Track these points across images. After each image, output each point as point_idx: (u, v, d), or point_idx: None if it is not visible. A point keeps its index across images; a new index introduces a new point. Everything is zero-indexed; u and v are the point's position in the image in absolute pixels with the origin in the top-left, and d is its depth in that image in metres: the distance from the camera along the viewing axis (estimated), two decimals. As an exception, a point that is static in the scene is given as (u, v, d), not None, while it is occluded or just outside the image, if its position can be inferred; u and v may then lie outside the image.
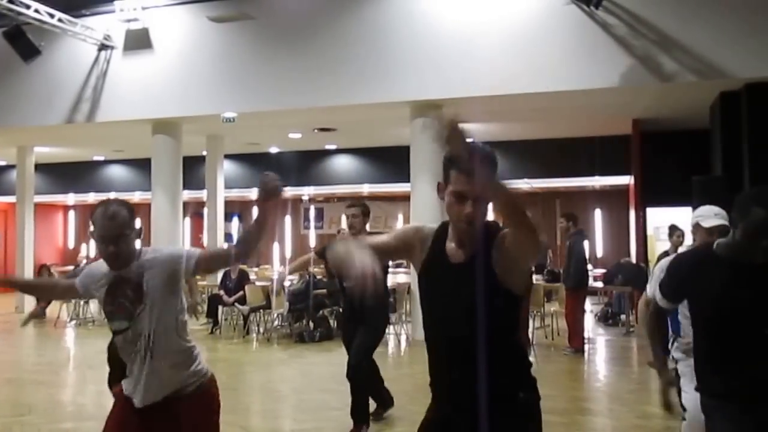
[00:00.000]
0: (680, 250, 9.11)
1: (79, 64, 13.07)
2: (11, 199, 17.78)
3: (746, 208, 2.64)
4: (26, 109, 13.39)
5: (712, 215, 3.95)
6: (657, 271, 3.58)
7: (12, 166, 18.10)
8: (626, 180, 15.38)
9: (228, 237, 22.18)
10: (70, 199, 21.63)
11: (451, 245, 2.50)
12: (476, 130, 11.04)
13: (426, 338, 2.63)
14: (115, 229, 3.01)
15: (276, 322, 12.16)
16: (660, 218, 12.74)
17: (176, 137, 13.05)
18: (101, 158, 19.36)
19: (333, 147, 17.09)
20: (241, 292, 12.04)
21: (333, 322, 11.93)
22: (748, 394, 2.72)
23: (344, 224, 20.68)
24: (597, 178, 16.72)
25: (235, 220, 22.16)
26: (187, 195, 16.85)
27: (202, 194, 15.68)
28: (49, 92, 13.17)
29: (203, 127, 13.88)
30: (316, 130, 14.38)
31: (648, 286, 3.72)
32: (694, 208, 10.37)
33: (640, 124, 13.30)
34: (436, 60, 10.99)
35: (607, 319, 13.23)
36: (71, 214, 24.16)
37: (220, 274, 13.05)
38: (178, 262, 3.09)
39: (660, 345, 3.28)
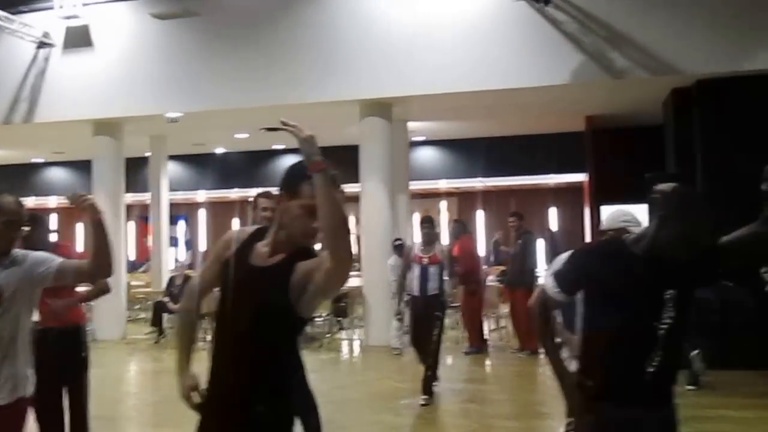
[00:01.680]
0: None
1: (16, 62, 12.49)
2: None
3: (686, 208, 2.52)
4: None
5: (619, 221, 3.83)
6: (556, 264, 3.30)
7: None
8: (581, 177, 15.30)
9: (174, 241, 21.65)
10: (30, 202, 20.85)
11: (262, 249, 2.49)
12: (427, 129, 10.93)
13: (213, 335, 2.61)
14: None
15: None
16: (614, 216, 12.64)
17: (118, 138, 12.59)
18: (40, 160, 18.67)
19: (281, 147, 16.71)
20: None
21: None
22: (638, 392, 2.61)
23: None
24: (552, 176, 16.65)
25: (182, 224, 21.61)
26: (131, 198, 16.33)
27: (147, 197, 15.15)
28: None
29: (146, 128, 13.41)
30: (263, 130, 13.94)
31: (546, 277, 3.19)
32: (648, 204, 10.39)
33: (594, 120, 13.21)
34: (385, 58, 10.74)
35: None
36: None
37: (165, 281, 12.62)
38: (39, 269, 3.12)
39: (552, 339, 2.92)
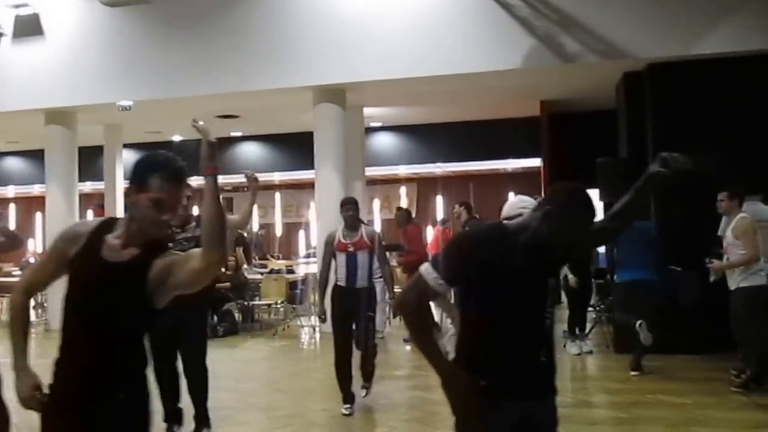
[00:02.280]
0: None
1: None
2: None
3: (571, 207, 2.52)
4: None
5: (517, 207, 3.91)
6: None
7: None
8: (538, 162, 15.37)
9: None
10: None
11: (114, 242, 2.48)
12: (384, 115, 10.83)
13: (62, 327, 2.55)
14: None
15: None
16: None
17: (71, 127, 12.36)
18: (-7, 150, 18.30)
19: (239, 134, 16.55)
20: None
21: (238, 316, 11.51)
22: (535, 384, 2.61)
23: (255, 214, 20.43)
24: (510, 161, 16.72)
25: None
26: (90, 186, 16.10)
27: (103, 186, 14.91)
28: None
29: (100, 117, 13.18)
30: (216, 118, 13.83)
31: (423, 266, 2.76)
32: (600, 190, 10.45)
33: (548, 105, 13.25)
34: (338, 44, 10.65)
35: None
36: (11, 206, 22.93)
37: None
38: None
39: (430, 335, 2.62)
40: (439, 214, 19.65)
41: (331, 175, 11.00)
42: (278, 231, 20.83)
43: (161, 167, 2.43)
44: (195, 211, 5.74)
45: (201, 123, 2.56)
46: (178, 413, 5.71)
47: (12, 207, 22.61)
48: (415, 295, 2.55)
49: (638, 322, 7.31)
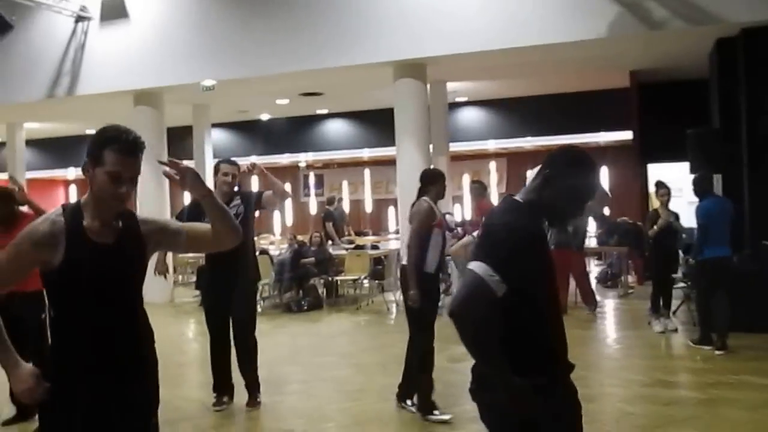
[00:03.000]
0: (670, 207, 8.79)
1: (56, 37, 12.72)
2: (4, 176, 17.66)
3: (571, 168, 2.46)
4: (7, 86, 13.11)
5: None
6: (483, 246, 2.47)
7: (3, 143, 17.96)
8: (630, 135, 14.89)
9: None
10: (71, 173, 21.51)
11: (93, 225, 2.50)
12: (470, 90, 10.58)
13: (69, 322, 2.53)
14: None
15: (266, 293, 11.93)
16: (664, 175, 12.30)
17: (158, 108, 12.76)
18: (93, 132, 19.06)
19: (324, 112, 16.71)
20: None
21: (322, 291, 11.70)
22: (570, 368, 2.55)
23: (345, 191, 20.66)
24: (601, 134, 16.25)
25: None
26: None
27: (192, 165, 15.38)
28: (28, 67, 12.88)
29: (187, 97, 13.55)
30: (300, 95, 14.01)
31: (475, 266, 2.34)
32: (691, 162, 10.02)
33: (638, 76, 12.79)
34: (418, 18, 10.55)
35: (606, 280, 12.89)
36: (72, 188, 24.12)
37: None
38: None
39: (498, 351, 2.31)
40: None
41: (412, 151, 10.96)
42: (368, 207, 21.01)
43: (114, 140, 2.41)
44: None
45: (171, 160, 2.62)
46: (227, 384, 5.90)
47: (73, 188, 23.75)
48: (482, 303, 2.24)
49: (714, 302, 7.04)
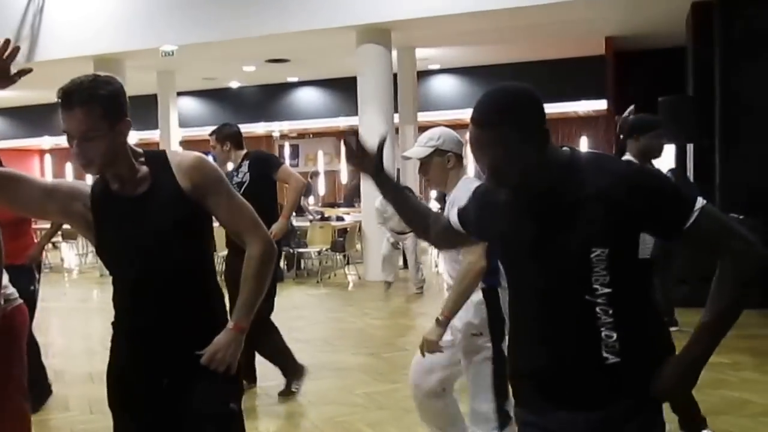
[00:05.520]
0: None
1: (14, 1, 12.26)
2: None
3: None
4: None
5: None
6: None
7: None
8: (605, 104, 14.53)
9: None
10: (46, 142, 21.06)
11: (115, 186, 2.24)
12: (442, 57, 10.01)
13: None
14: None
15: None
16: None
17: (119, 74, 12.27)
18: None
19: (295, 80, 16.27)
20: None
21: (283, 264, 11.37)
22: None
23: (321, 161, 20.21)
24: (581, 102, 15.82)
25: (209, 159, 21.48)
26: (147, 135, 16.19)
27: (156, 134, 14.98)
28: (-15, 31, 12.43)
29: (151, 64, 13.11)
30: (267, 62, 13.58)
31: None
32: (664, 131, 9.67)
33: (614, 43, 12.36)
34: (380, -20, 10.14)
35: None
36: (47, 158, 23.67)
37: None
38: None
39: None
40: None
41: (375, 120, 10.56)
42: (344, 178, 20.64)
43: (59, 98, 2.09)
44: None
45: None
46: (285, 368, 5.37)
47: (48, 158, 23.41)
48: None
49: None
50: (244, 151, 5.24)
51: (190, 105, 17.52)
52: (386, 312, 8.56)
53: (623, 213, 1.71)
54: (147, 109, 14.66)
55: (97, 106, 2.06)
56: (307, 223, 11.87)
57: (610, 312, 1.75)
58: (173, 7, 11.34)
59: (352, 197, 15.55)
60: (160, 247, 2.18)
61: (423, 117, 14.15)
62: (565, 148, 1.85)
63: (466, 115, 16.76)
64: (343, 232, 11.36)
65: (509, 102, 1.76)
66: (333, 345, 6.85)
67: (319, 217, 12.66)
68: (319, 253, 11.46)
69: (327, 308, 9.13)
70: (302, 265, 11.81)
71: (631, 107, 6.77)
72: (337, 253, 11.42)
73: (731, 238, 1.72)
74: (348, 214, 13.51)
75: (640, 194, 1.70)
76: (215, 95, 17.39)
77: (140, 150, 2.27)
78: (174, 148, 14.43)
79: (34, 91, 16.52)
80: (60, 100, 2.08)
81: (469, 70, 15.40)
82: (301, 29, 10.66)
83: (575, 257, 1.76)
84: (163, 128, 14.50)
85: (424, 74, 14.85)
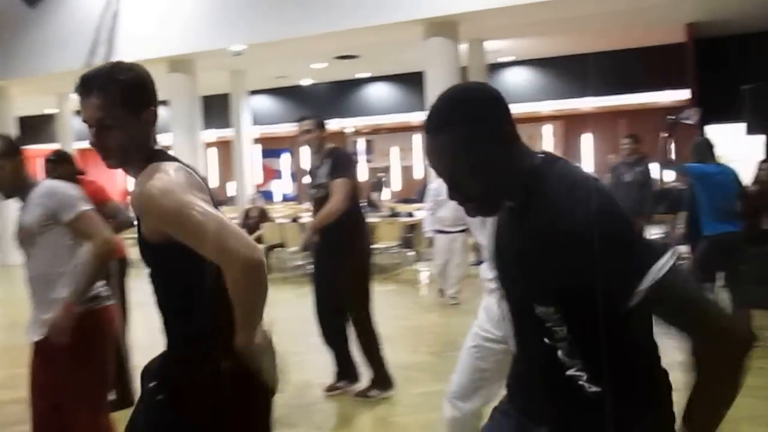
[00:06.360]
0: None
1: (91, 5, 12.63)
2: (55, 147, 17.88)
3: None
4: (47, 56, 13.11)
5: None
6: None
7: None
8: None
9: (277, 174, 21.91)
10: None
11: None
12: (515, 48, 9.58)
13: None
14: None
15: (298, 262, 11.64)
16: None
17: (192, 75, 12.52)
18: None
19: (366, 75, 16.22)
20: (260, 231, 11.61)
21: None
22: None
23: (394, 157, 20.09)
24: (660, 93, 15.20)
25: (286, 156, 21.74)
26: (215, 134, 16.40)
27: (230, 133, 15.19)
28: (67, 37, 12.84)
29: (222, 64, 13.28)
30: (335, 59, 13.57)
31: None
32: (747, 123, 9.12)
33: (695, 29, 11.79)
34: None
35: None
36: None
37: (240, 213, 12.68)
38: (64, 212, 3.06)
39: None
40: (588, 155, 18.48)
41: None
42: (419, 174, 20.51)
43: (77, 85, 2.03)
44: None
45: None
46: (340, 369, 5.34)
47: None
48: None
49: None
50: (331, 146, 5.15)
51: (264, 103, 17.73)
52: (452, 310, 8.39)
53: (565, 269, 1.42)
54: (220, 108, 14.89)
55: (115, 92, 1.97)
56: (376, 219, 11.79)
57: (575, 357, 1.52)
58: (242, 7, 11.42)
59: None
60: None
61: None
62: (539, 155, 1.58)
63: (540, 107, 16.50)
64: (412, 228, 11.23)
65: (458, 100, 1.54)
66: (393, 342, 6.69)
67: (390, 213, 12.56)
68: (388, 249, 11.36)
69: (391, 305, 9.01)
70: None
71: (693, 109, 6.19)
72: (407, 250, 11.31)
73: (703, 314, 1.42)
74: (419, 210, 13.36)
75: (586, 248, 1.36)
76: (287, 93, 17.55)
77: (168, 153, 2.11)
78: (247, 146, 14.65)
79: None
80: (78, 88, 2.01)
81: (542, 61, 15.03)
82: (368, 24, 10.56)
83: (525, 305, 1.56)
84: (236, 126, 14.67)
85: (495, 67, 14.57)
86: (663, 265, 1.38)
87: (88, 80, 2.00)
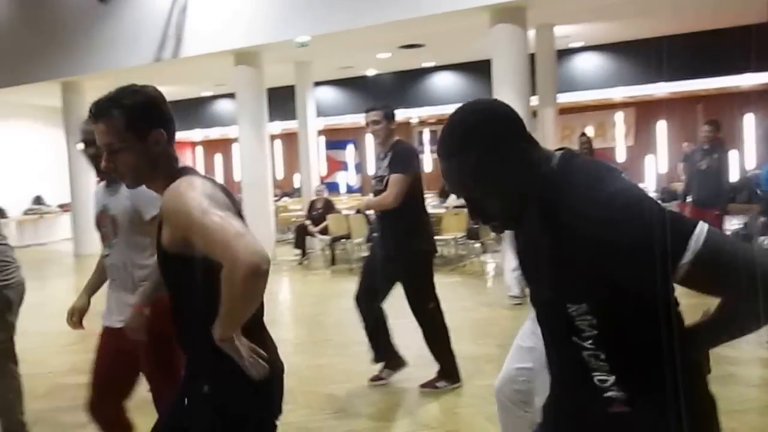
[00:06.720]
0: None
1: (160, 1, 12.80)
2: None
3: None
4: (117, 51, 13.37)
5: None
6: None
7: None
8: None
9: (343, 165, 21.92)
10: (196, 134, 22.05)
11: None
12: (586, 33, 9.36)
13: None
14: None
15: (363, 253, 11.60)
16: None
17: (258, 67, 12.56)
18: (209, 93, 19.48)
19: (431, 65, 16.04)
20: (325, 222, 11.61)
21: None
22: None
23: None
24: (743, 76, 14.57)
25: (350, 148, 21.72)
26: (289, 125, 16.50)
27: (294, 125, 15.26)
28: (136, 32, 13.05)
29: (288, 55, 13.32)
30: (400, 48, 13.45)
31: None
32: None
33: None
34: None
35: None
36: (199, 149, 24.81)
37: (306, 204, 12.70)
38: (147, 208, 3.03)
39: None
40: (662, 142, 17.92)
41: (511, 103, 10.05)
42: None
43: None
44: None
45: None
46: (379, 355, 5.30)
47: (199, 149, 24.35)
48: None
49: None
50: (395, 139, 5.06)
51: (329, 94, 17.75)
52: (519, 301, 8.20)
53: (596, 268, 1.41)
54: (286, 100, 14.94)
55: (120, 116, 2.02)
56: (442, 210, 11.66)
57: (602, 357, 1.50)
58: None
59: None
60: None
61: (563, 98, 13.54)
62: (556, 155, 1.57)
63: (612, 94, 16.04)
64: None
65: (469, 125, 1.53)
66: (458, 334, 6.54)
67: (456, 204, 12.39)
68: (455, 240, 11.22)
69: (458, 296, 8.86)
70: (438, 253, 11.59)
71: None
72: (473, 241, 11.15)
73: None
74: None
75: (619, 237, 1.38)
76: (352, 83, 17.51)
77: (195, 170, 2.17)
78: (313, 138, 14.67)
79: (183, 86, 17.38)
80: (89, 115, 2.09)
81: (613, 46, 14.60)
82: (433, 12, 10.39)
83: (554, 305, 1.54)
84: (301, 118, 14.71)
85: (564, 53, 14.21)
86: (699, 234, 1.38)
87: (96, 107, 2.06)
